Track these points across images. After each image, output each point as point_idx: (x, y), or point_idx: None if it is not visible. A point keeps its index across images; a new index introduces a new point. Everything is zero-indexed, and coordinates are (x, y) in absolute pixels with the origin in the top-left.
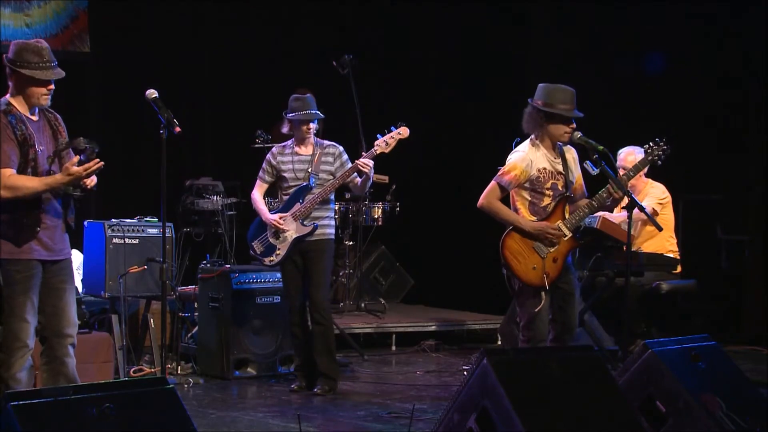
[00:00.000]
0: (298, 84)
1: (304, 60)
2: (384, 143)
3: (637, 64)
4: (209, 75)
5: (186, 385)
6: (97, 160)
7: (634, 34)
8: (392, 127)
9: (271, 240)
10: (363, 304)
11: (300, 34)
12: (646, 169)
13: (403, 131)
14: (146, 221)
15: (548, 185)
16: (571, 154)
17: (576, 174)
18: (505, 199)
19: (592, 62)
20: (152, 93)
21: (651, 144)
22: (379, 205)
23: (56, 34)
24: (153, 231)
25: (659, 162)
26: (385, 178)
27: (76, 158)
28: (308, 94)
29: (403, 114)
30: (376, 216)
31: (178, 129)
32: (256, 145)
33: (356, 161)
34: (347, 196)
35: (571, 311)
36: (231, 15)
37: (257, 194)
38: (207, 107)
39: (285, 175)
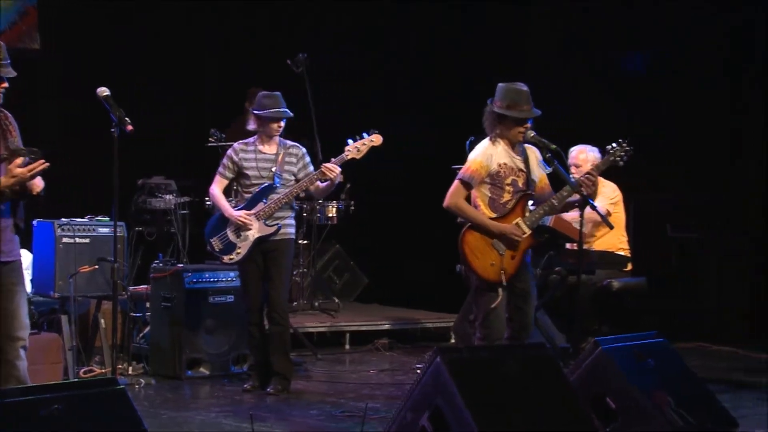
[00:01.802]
0: (251, 83)
1: (258, 58)
2: (356, 149)
3: (594, 62)
4: (161, 73)
5: (137, 386)
6: (42, 161)
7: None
8: (364, 133)
9: (231, 238)
10: (317, 303)
11: (254, 33)
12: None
13: (376, 138)
14: (98, 220)
15: (508, 181)
16: (534, 153)
17: (539, 173)
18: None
19: (552, 59)
20: (104, 91)
21: (614, 145)
22: (334, 203)
23: (4, 31)
24: (104, 230)
25: (621, 163)
26: (340, 177)
27: (19, 159)
28: (278, 93)
29: (358, 113)
30: (330, 215)
31: (130, 127)
32: (210, 144)
33: (323, 165)
34: (302, 195)
35: (528, 310)
36: (183, 12)
37: (217, 190)
38: (159, 105)
39: (248, 172)
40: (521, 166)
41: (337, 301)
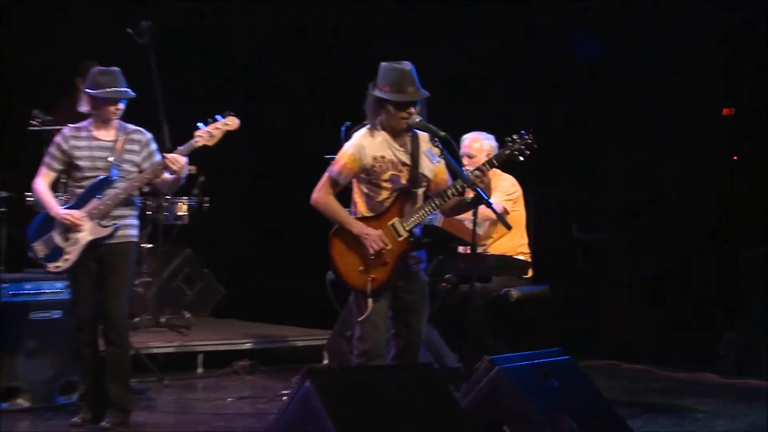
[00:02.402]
0: (84, 56)
1: (92, 26)
2: (207, 134)
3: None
4: None
5: None
6: None
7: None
8: (217, 116)
9: (58, 241)
10: (164, 319)
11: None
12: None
13: (232, 122)
14: None
15: (386, 176)
16: (427, 143)
17: (432, 167)
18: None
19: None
20: None
21: (515, 137)
22: (184, 200)
23: None
24: None
25: (521, 158)
26: (192, 168)
27: None
28: (116, 68)
29: (213, 96)
30: (180, 213)
31: None
32: (33, 128)
33: (166, 156)
34: (145, 189)
35: (416, 326)
36: None
37: (42, 184)
38: None
39: (80, 163)
40: (404, 159)
41: (188, 315)
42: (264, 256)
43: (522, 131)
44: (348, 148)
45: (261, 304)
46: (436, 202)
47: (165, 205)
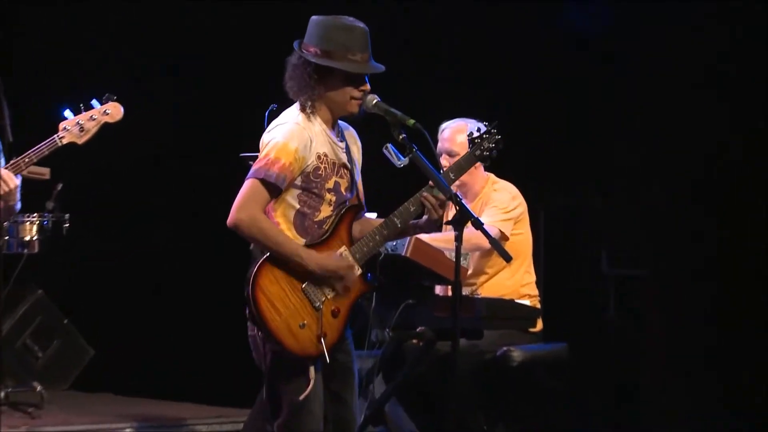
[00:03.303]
0: None
1: None
2: (77, 127)
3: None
4: None
5: None
6: None
7: None
8: (94, 101)
9: None
10: (3, 393)
11: None
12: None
13: (114, 110)
14: None
15: (330, 184)
16: (354, 137)
17: (357, 169)
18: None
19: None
20: None
21: (475, 130)
22: (34, 218)
23: None
24: None
25: (489, 158)
26: (45, 172)
27: None
28: None
29: (90, 71)
30: (27, 237)
31: None
32: None
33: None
34: None
35: (350, 399)
36: None
37: None
38: None
39: None
40: (344, 159)
41: (39, 388)
42: (151, 299)
43: (483, 124)
44: (283, 138)
45: (147, 372)
46: (395, 223)
47: (5, 226)
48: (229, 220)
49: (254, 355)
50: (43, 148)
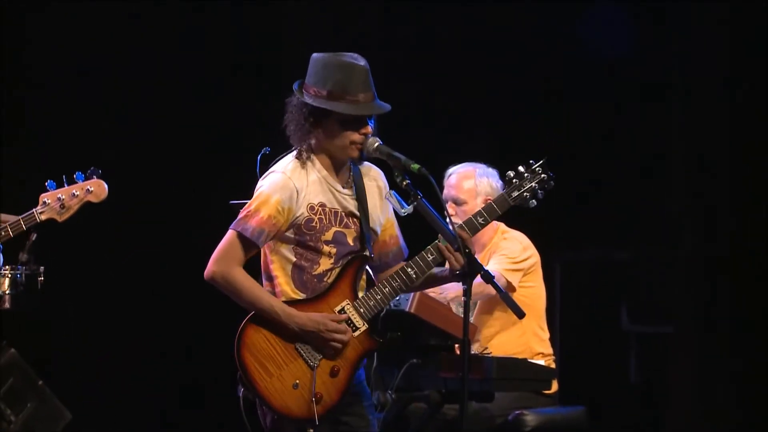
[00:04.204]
0: None
1: None
2: (58, 203)
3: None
4: None
5: None
6: None
7: None
8: (78, 175)
9: None
10: None
11: None
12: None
13: (97, 189)
14: None
15: (329, 236)
16: (376, 181)
17: (384, 217)
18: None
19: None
20: None
21: (521, 169)
22: (6, 271)
23: None
24: None
25: (533, 202)
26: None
27: None
28: None
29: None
30: None
31: None
32: None
33: None
34: None
35: None
36: None
37: None
38: None
39: None
40: (351, 207)
41: None
42: (136, 357)
43: (530, 161)
44: (267, 189)
45: None
46: (409, 274)
47: None
48: (206, 273)
49: (244, 416)
50: (21, 222)
